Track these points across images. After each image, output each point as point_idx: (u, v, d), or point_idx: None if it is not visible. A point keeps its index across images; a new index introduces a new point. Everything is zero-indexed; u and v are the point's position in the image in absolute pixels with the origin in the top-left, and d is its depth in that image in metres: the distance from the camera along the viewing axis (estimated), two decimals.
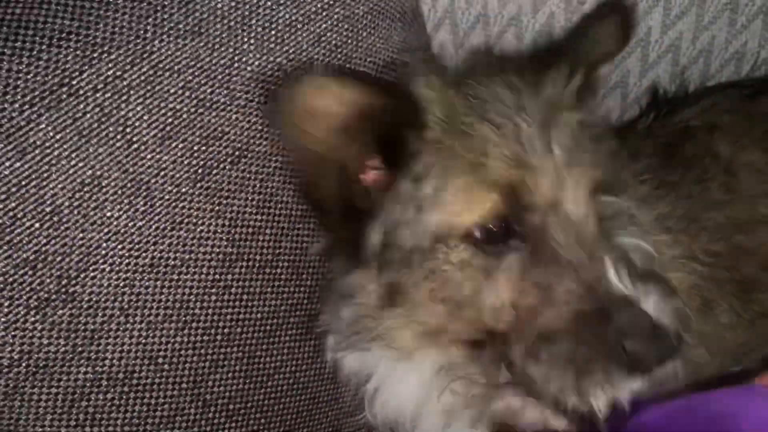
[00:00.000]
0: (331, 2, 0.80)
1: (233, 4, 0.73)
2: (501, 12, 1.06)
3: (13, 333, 0.65)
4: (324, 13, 0.79)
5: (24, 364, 0.66)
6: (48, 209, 0.65)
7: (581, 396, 0.58)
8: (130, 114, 0.68)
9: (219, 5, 0.72)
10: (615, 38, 0.73)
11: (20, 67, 0.64)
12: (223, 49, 0.72)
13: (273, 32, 0.75)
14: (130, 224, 0.69)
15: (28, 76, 0.64)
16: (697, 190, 0.90)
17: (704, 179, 0.92)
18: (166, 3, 0.70)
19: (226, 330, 0.76)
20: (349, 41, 0.81)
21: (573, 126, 0.66)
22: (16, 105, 0.64)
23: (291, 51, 0.76)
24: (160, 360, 0.73)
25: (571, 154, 0.63)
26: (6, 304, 0.65)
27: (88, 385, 0.69)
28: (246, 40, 0.74)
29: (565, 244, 0.61)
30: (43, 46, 0.65)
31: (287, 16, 0.76)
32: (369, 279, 0.67)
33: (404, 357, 0.70)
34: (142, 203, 0.69)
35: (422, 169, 0.63)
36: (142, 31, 0.69)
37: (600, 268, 0.60)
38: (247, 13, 0.74)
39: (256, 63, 0.74)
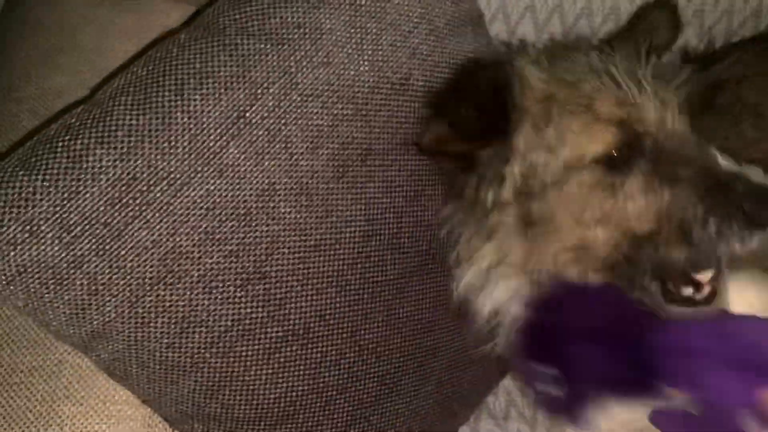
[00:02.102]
0: (418, 20, 0.99)
1: (348, 35, 0.93)
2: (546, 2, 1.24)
3: (227, 306, 0.88)
4: (415, 31, 0.98)
5: (236, 329, 0.89)
6: (242, 212, 0.87)
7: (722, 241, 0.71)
8: (289, 133, 0.88)
9: (339, 38, 0.92)
10: (669, 28, 0.93)
11: (209, 107, 0.85)
12: (346, 72, 0.92)
13: (380, 53, 0.95)
14: (297, 216, 0.90)
15: (216, 114, 0.85)
16: (733, 132, 1.07)
17: (737, 123, 1.09)
18: (301, 43, 0.90)
19: (370, 289, 0.98)
20: (436, 50, 1.00)
21: (653, 69, 0.84)
22: (211, 137, 0.85)
23: (395, 66, 0.96)
24: (327, 317, 0.95)
25: (658, 89, 0.81)
26: (220, 285, 0.87)
27: (280, 340, 0.92)
28: (362, 62, 0.93)
29: (678, 148, 0.77)
30: (222, 89, 0.86)
31: (389, 37, 0.96)
32: (507, 213, 0.85)
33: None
34: (304, 200, 0.90)
35: (539, 119, 0.82)
36: (288, 68, 0.89)
37: (711, 156, 0.76)
38: (359, 40, 0.93)
39: (371, 80, 0.94)
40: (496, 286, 0.91)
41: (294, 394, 0.94)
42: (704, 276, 0.77)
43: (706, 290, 0.78)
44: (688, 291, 0.78)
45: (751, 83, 1.14)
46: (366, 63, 0.94)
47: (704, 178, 0.77)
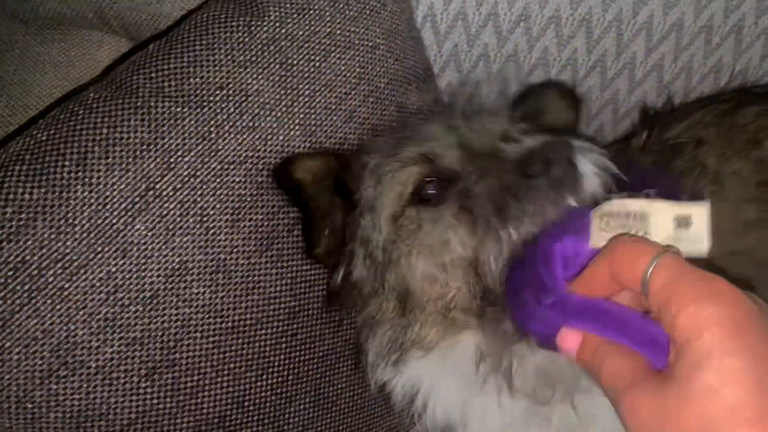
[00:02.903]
0: (357, 81, 0.92)
1: (278, 97, 0.85)
2: (500, 51, 1.18)
3: (131, 398, 0.79)
4: (353, 92, 0.91)
5: (140, 422, 0.81)
6: (148, 294, 0.78)
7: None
8: (206, 205, 0.81)
9: (267, 100, 0.85)
10: (565, 110, 0.89)
11: (113, 180, 0.77)
12: (274, 138, 0.85)
13: (313, 117, 0.88)
14: (213, 297, 0.82)
15: (122, 187, 0.77)
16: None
17: (695, 192, 1.04)
18: (223, 106, 0.82)
19: (295, 370, 0.90)
20: (375, 113, 0.93)
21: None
22: (115, 212, 0.76)
23: (329, 130, 0.89)
24: (246, 403, 0.87)
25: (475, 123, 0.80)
26: (122, 376, 0.78)
27: None
28: (292, 127, 0.86)
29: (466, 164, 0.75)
30: (130, 158, 0.78)
31: (323, 100, 0.89)
32: (379, 299, 0.81)
33: (439, 355, 0.80)
34: (221, 278, 0.82)
35: (365, 191, 0.81)
36: (207, 133, 0.81)
37: (496, 152, 0.72)
38: (290, 103, 0.86)
39: (302, 145, 0.87)
40: (409, 370, 0.84)
41: None
42: None
43: None
44: None
45: (711, 146, 1.10)
46: (297, 128, 0.86)
47: (496, 176, 0.71)
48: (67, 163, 0.76)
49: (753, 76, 1.27)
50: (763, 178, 1.08)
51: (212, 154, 0.81)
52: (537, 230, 0.67)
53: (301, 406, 0.92)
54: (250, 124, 0.83)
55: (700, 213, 0.57)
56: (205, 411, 0.84)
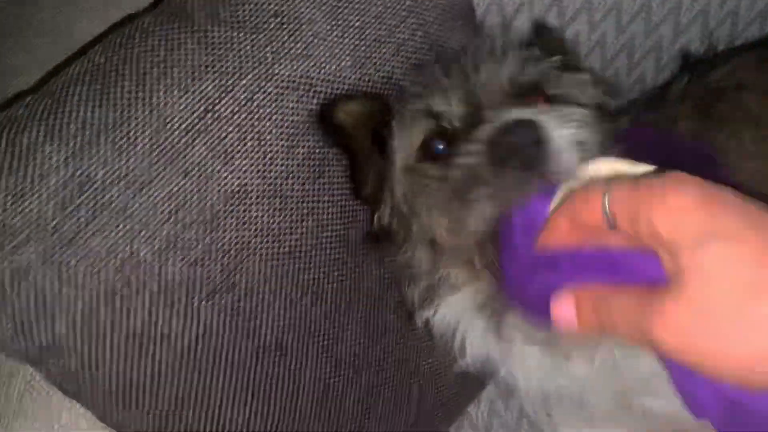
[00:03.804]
0: (406, 14, 0.92)
1: (329, 27, 0.85)
2: None
3: (191, 320, 0.80)
4: (402, 25, 0.91)
5: (200, 345, 0.81)
6: (209, 216, 0.79)
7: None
8: (263, 129, 0.81)
9: (320, 29, 0.85)
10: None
11: (173, 100, 0.77)
12: (326, 66, 0.85)
13: (363, 48, 0.88)
14: (270, 221, 0.83)
15: (181, 107, 0.77)
16: (733, 143, 1.03)
17: (737, 133, 1.04)
18: (278, 33, 0.82)
19: (347, 299, 0.91)
20: (423, 46, 0.93)
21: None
22: (175, 133, 0.77)
23: (378, 62, 0.89)
24: (301, 330, 0.88)
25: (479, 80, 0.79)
26: (183, 297, 0.79)
27: (249, 356, 0.85)
28: (343, 57, 0.86)
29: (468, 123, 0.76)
30: (188, 80, 0.78)
31: (373, 32, 0.88)
32: (411, 246, 0.83)
33: (467, 296, 0.82)
34: (278, 203, 0.83)
35: (392, 141, 0.83)
36: (262, 58, 0.81)
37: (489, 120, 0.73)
38: (341, 33, 0.86)
39: (353, 76, 0.87)
40: (445, 309, 0.86)
41: (266, 414, 0.87)
42: None
43: None
44: None
45: (753, 92, 1.09)
46: (348, 58, 0.86)
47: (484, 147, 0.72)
48: (126, 83, 0.76)
49: None
50: None
51: (268, 78, 0.81)
52: (503, 210, 0.69)
53: (353, 336, 0.93)
54: (304, 51, 0.84)
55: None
56: (262, 335, 0.85)
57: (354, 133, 0.84)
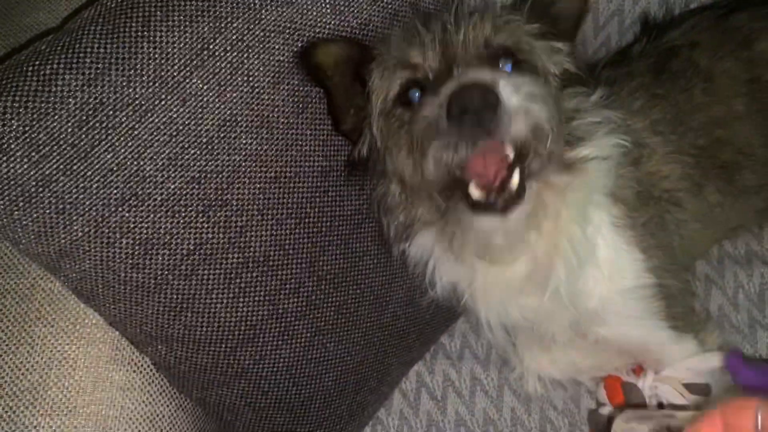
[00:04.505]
0: None
1: None
2: None
3: (189, 230, 0.93)
4: None
5: (198, 253, 0.94)
6: (204, 140, 0.91)
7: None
8: (251, 66, 0.93)
9: None
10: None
11: (174, 38, 0.89)
12: (308, 13, 0.96)
13: None
14: (258, 148, 0.95)
15: (181, 45, 0.89)
16: (683, 97, 1.11)
17: (688, 88, 1.12)
18: None
19: (328, 223, 1.03)
20: None
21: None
22: (175, 66, 0.89)
23: (356, 12, 1.00)
24: (286, 246, 1.00)
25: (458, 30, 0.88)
26: (182, 210, 0.92)
27: (240, 266, 0.97)
28: (323, 4, 0.97)
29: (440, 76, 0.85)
30: (187, 21, 0.90)
31: None
32: (386, 180, 0.93)
33: (436, 231, 0.93)
34: (265, 132, 0.95)
35: (372, 83, 0.92)
36: (252, 4, 0.93)
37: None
38: None
39: (332, 22, 0.98)
40: (417, 242, 0.97)
41: (254, 318, 1.00)
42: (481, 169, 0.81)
43: (500, 192, 0.81)
44: (476, 194, 0.82)
45: (704, 48, 1.18)
46: (327, 5, 0.98)
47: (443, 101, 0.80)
48: (134, 24, 0.88)
49: None
50: (752, 76, 1.17)
51: (256, 22, 0.93)
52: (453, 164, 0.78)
53: (333, 257, 1.05)
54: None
55: None
56: (251, 248, 0.97)
57: (332, 73, 0.94)
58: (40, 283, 1.04)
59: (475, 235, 0.87)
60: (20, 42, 1.21)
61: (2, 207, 0.84)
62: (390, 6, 1.04)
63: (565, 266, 0.95)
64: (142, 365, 1.06)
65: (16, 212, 0.85)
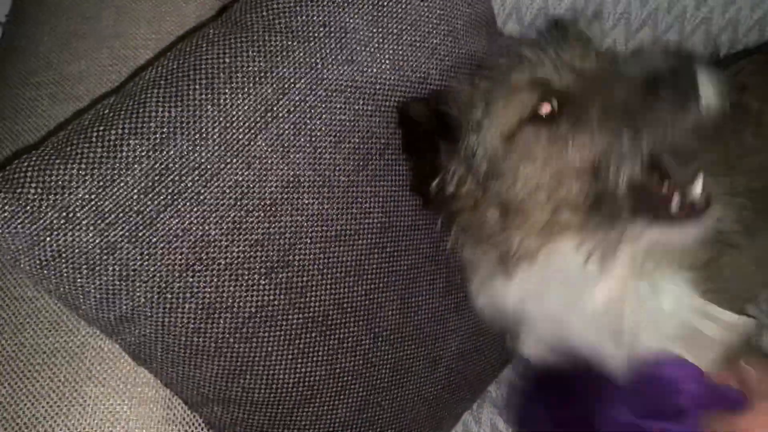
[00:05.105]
0: (437, 21, 1.02)
1: (371, 35, 0.96)
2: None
3: (252, 293, 0.91)
4: (434, 31, 1.01)
5: (259, 315, 0.92)
6: (268, 202, 0.90)
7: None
8: (314, 127, 0.92)
9: (363, 37, 0.95)
10: None
11: (238, 102, 0.88)
12: (368, 70, 0.96)
13: (401, 52, 0.98)
14: (320, 208, 0.94)
15: (245, 108, 0.88)
16: (734, 139, 1.12)
17: (738, 130, 1.13)
18: (326, 41, 0.93)
19: (385, 278, 1.02)
20: (454, 51, 1.04)
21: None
22: (240, 129, 0.88)
23: (415, 65, 1.00)
24: (345, 305, 0.98)
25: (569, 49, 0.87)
26: (246, 273, 0.90)
27: (300, 327, 0.95)
28: (383, 61, 0.97)
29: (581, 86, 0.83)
30: (250, 84, 0.89)
31: (409, 37, 0.99)
32: (480, 209, 0.89)
33: (540, 263, 0.88)
34: (326, 191, 0.94)
35: (473, 114, 0.89)
36: (314, 64, 0.92)
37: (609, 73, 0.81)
38: (381, 39, 0.97)
39: (392, 78, 0.97)
40: (506, 287, 0.93)
41: (311, 379, 0.98)
42: (682, 177, 0.79)
43: (694, 196, 0.79)
44: (675, 200, 0.79)
45: (754, 91, 1.18)
46: (387, 61, 0.97)
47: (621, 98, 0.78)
48: (197, 86, 0.87)
49: None
50: None
51: (318, 82, 0.92)
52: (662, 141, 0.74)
53: (389, 313, 1.03)
54: (349, 57, 0.94)
55: None
56: (311, 309, 0.95)
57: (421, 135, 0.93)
58: (90, 341, 1.02)
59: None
60: (62, 91, 1.20)
61: (66, 275, 0.83)
62: (446, 58, 1.03)
63: (631, 307, 0.93)
64: (194, 424, 1.04)
65: (80, 279, 0.84)
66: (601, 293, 0.90)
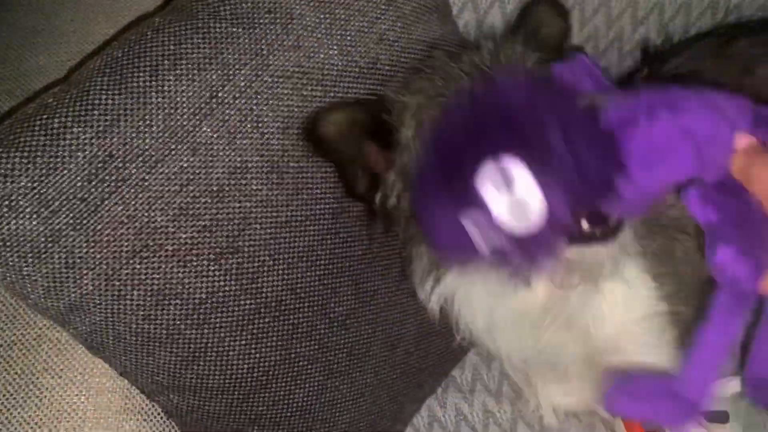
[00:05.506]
0: (385, 7, 1.03)
1: (317, 21, 0.97)
2: None
3: (201, 279, 0.91)
4: (382, 17, 1.02)
5: (210, 301, 0.93)
6: (215, 188, 0.90)
7: None
8: (261, 113, 0.92)
9: (309, 23, 0.96)
10: (555, 17, 1.00)
11: (182, 88, 0.89)
12: (315, 56, 0.96)
13: (348, 38, 0.99)
14: (269, 194, 0.94)
15: (189, 94, 0.89)
16: None
17: None
18: (271, 27, 0.94)
19: (339, 265, 1.02)
20: (403, 36, 1.04)
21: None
22: (184, 116, 0.88)
23: (363, 51, 1.00)
24: (298, 290, 0.99)
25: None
26: (194, 259, 0.91)
27: (252, 312, 0.96)
28: (330, 46, 0.97)
29: None
30: (195, 70, 0.89)
31: (357, 23, 1.00)
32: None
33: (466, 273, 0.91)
34: (275, 177, 0.94)
35: (406, 131, 0.90)
36: (259, 50, 0.92)
37: None
38: (328, 25, 0.97)
39: (340, 64, 0.98)
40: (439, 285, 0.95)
41: (267, 364, 0.99)
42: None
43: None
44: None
45: (706, 76, 1.19)
46: (335, 47, 0.97)
47: None
48: (142, 74, 0.88)
49: (747, 11, 1.37)
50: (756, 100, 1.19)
51: (264, 68, 0.92)
52: None
53: (344, 298, 1.04)
54: (295, 43, 0.95)
55: None
56: (263, 294, 0.96)
57: (337, 141, 0.92)
58: (47, 333, 1.02)
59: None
60: (20, 87, 1.20)
61: (12, 264, 0.83)
62: (395, 44, 1.04)
63: (579, 294, 0.94)
64: (153, 414, 1.04)
65: (26, 268, 0.84)
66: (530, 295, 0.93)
